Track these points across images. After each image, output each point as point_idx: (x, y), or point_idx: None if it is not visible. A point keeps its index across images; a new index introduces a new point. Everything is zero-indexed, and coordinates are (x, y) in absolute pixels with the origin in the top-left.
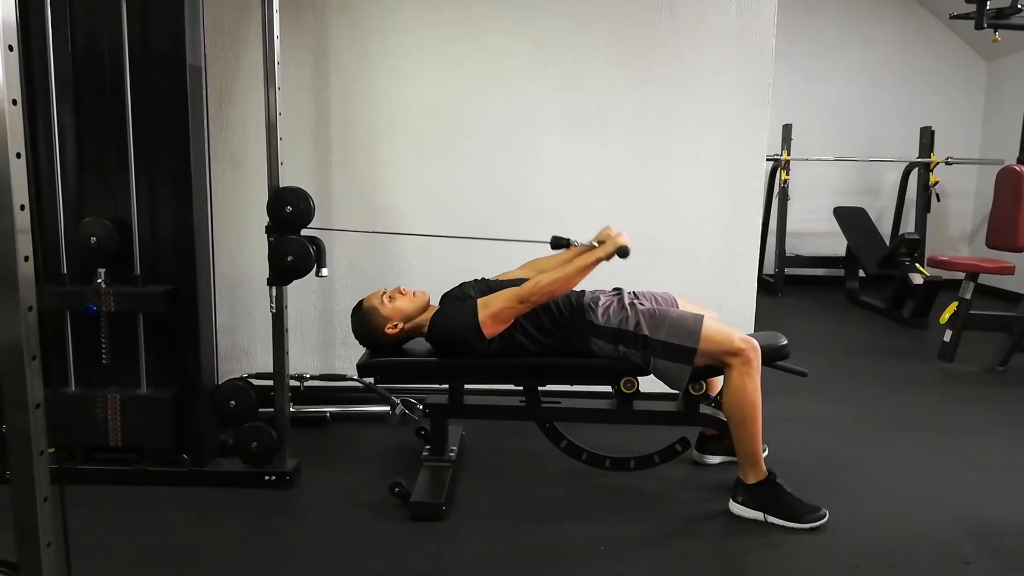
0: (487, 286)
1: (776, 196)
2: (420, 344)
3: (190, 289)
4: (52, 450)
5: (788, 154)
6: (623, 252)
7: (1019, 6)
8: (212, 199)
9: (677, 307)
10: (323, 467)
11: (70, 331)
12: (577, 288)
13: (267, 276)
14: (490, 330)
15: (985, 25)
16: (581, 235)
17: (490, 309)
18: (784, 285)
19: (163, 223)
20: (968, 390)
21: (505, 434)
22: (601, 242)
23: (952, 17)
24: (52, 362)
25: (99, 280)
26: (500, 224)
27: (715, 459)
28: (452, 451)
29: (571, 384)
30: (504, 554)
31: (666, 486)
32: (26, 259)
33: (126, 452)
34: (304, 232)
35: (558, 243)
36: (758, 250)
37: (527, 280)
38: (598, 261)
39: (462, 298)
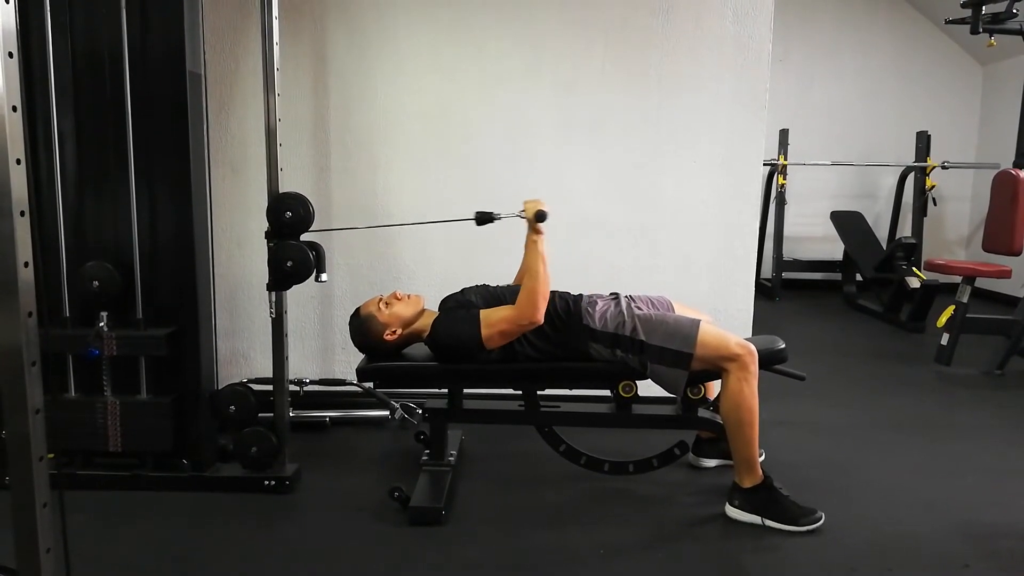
0: (489, 293)
1: (773, 200)
2: (419, 348)
3: (190, 300)
4: (51, 455)
5: (785, 158)
6: (540, 216)
7: (1014, 11)
8: (212, 204)
9: (673, 311)
10: (323, 472)
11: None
12: (575, 292)
13: (267, 281)
14: (493, 344)
15: (980, 30)
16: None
17: (494, 327)
18: (781, 289)
19: (163, 230)
20: (965, 393)
21: (504, 438)
22: (523, 212)
23: (948, 22)
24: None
25: (101, 324)
26: (497, 227)
27: (711, 462)
28: (451, 455)
29: (570, 388)
30: (503, 558)
31: (664, 490)
32: (26, 265)
33: (126, 457)
34: (304, 236)
35: (483, 219)
36: (755, 254)
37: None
38: (537, 242)
39: (465, 305)
